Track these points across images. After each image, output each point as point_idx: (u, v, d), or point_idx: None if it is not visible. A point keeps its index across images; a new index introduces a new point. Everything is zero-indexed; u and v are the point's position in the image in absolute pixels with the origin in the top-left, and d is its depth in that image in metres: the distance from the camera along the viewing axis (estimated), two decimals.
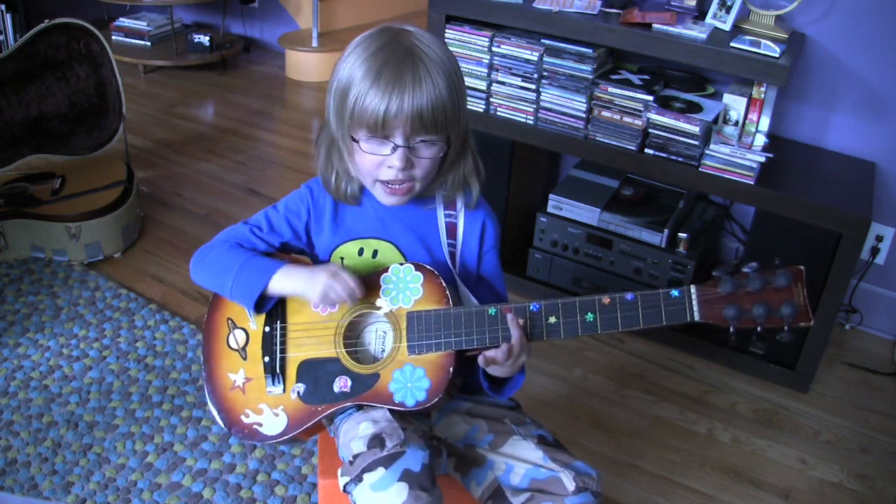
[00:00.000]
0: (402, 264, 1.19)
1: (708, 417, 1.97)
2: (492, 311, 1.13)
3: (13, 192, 2.39)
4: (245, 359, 1.23)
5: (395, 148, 1.11)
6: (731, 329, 1.04)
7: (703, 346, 2.15)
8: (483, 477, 1.19)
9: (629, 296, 1.07)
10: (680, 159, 1.97)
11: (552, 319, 1.11)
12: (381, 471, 1.05)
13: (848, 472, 1.85)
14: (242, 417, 1.21)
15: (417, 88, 1.07)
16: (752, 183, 1.91)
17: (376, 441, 1.08)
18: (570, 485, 1.11)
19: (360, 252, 1.24)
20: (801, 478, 1.83)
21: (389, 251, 1.24)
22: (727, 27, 1.93)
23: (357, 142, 1.12)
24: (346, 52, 1.14)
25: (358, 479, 1.06)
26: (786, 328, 1.02)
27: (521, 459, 1.17)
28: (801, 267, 1.00)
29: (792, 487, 1.80)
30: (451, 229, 1.25)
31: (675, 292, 1.05)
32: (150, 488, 1.66)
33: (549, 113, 2.11)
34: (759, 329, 1.03)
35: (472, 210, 1.26)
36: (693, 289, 1.05)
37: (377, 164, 1.13)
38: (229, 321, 1.25)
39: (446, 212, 1.25)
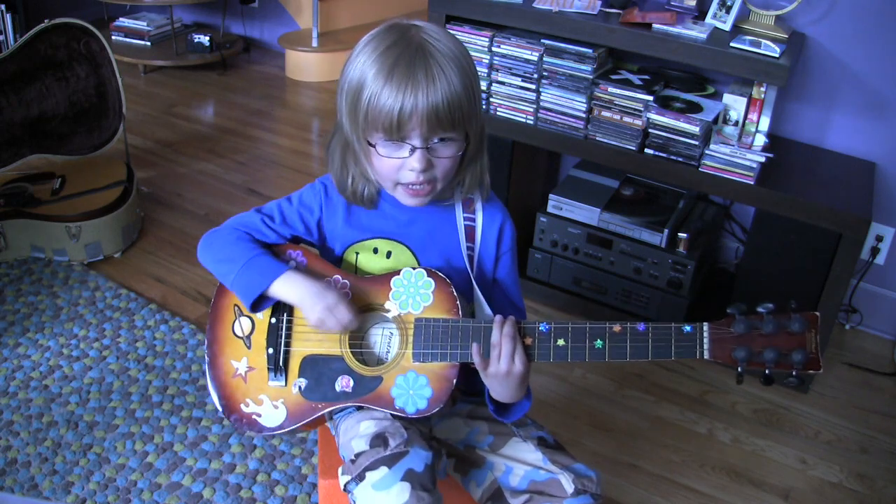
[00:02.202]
0: (414, 268, 1.17)
1: (708, 417, 1.97)
2: None
3: (13, 192, 2.39)
4: (249, 347, 1.22)
5: (413, 150, 1.07)
6: (740, 370, 1.03)
7: None
8: (482, 478, 1.19)
9: (641, 326, 1.06)
10: (680, 159, 1.97)
11: (560, 342, 1.09)
12: (383, 470, 1.04)
13: (848, 472, 1.85)
14: (242, 406, 1.20)
15: (431, 85, 1.04)
16: (752, 183, 1.91)
17: (379, 440, 1.08)
18: (569, 487, 1.11)
19: (375, 251, 1.23)
20: (801, 478, 1.83)
21: (403, 254, 1.22)
22: (727, 27, 1.93)
23: (374, 146, 1.10)
24: (354, 52, 1.11)
25: (360, 477, 1.06)
26: (794, 374, 1.01)
27: (520, 461, 1.17)
28: (817, 313, 1.00)
29: (792, 487, 1.80)
30: (470, 232, 1.23)
31: (687, 328, 1.05)
32: (150, 488, 1.66)
33: (549, 113, 2.10)
34: (766, 371, 1.02)
35: (490, 211, 1.24)
36: (706, 326, 1.04)
37: (396, 168, 1.10)
38: (236, 308, 1.24)
39: (465, 214, 1.23)
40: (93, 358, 2.00)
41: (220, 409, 1.22)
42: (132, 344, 2.06)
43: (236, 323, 1.24)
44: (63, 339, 2.06)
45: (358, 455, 1.08)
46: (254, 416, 1.19)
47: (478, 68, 2.10)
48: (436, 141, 1.08)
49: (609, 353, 1.07)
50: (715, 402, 2.02)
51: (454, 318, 1.14)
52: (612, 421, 1.94)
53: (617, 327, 1.07)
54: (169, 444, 1.77)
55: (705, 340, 1.04)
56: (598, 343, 1.07)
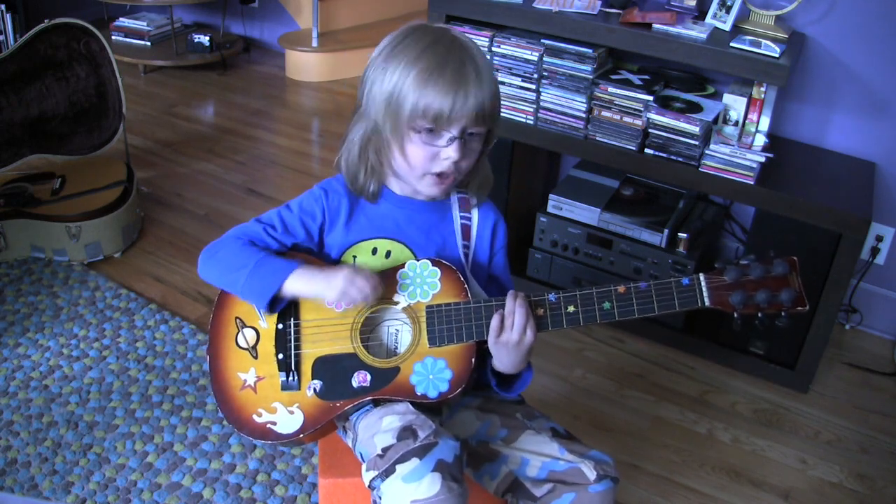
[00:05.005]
0: (418, 260, 1.20)
1: (708, 417, 1.97)
2: None
3: (13, 192, 2.39)
4: (256, 357, 1.22)
5: (451, 140, 1.14)
6: (736, 315, 1.10)
7: (703, 346, 2.15)
8: (497, 471, 1.20)
9: (643, 285, 1.13)
10: (680, 159, 1.97)
11: (571, 308, 1.15)
12: (414, 461, 1.04)
13: (848, 472, 1.85)
14: (255, 417, 1.19)
15: (480, 85, 1.12)
16: (752, 183, 1.91)
17: (408, 432, 1.08)
18: (591, 474, 1.13)
19: (374, 252, 1.24)
20: (801, 478, 1.83)
21: (402, 252, 1.24)
22: (727, 27, 1.93)
23: (419, 132, 1.14)
24: (384, 59, 1.16)
25: (389, 471, 1.05)
26: (783, 314, 1.09)
27: (537, 453, 1.18)
28: (795, 257, 1.11)
29: (792, 487, 1.80)
30: (466, 231, 1.27)
31: (685, 280, 1.12)
32: (150, 488, 1.66)
33: (549, 113, 2.10)
34: (759, 315, 1.09)
35: (485, 211, 1.29)
36: (702, 277, 1.11)
37: (431, 157, 1.16)
38: (237, 320, 1.24)
39: (461, 213, 1.27)
40: (93, 358, 2.00)
41: (229, 423, 1.20)
42: (132, 344, 2.06)
43: (239, 335, 1.23)
44: (63, 339, 2.06)
45: (385, 449, 1.07)
46: (268, 426, 1.18)
47: None
48: (470, 132, 1.15)
49: (618, 312, 1.13)
50: (715, 402, 2.02)
51: (464, 300, 1.17)
52: (612, 421, 1.95)
53: (621, 288, 1.13)
54: (169, 444, 1.77)
55: (704, 290, 1.11)
56: (606, 305, 1.14)
